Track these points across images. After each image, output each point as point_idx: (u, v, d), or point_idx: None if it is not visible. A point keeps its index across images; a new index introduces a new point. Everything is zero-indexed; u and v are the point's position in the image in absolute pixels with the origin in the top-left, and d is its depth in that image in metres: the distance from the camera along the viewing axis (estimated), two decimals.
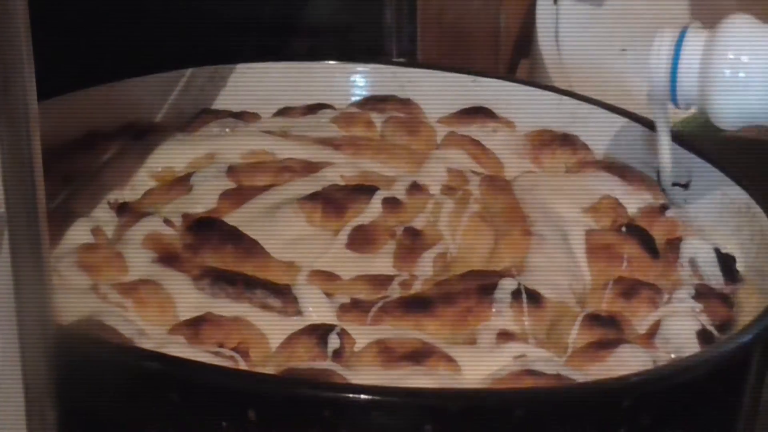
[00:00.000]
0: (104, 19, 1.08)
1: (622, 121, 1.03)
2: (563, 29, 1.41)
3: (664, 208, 0.96)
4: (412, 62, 1.12)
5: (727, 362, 0.82)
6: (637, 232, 0.92)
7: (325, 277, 0.85)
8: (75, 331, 0.78)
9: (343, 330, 0.80)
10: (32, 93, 0.65)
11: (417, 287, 0.85)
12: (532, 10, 1.42)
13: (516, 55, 1.53)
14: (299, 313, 0.82)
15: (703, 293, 0.87)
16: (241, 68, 1.09)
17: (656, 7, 1.41)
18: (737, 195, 0.95)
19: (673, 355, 0.81)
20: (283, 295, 0.83)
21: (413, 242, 0.89)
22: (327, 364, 0.78)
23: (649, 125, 1.02)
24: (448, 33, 1.55)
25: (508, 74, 1.40)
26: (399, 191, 0.93)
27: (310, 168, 0.96)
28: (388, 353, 0.79)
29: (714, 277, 0.90)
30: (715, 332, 0.84)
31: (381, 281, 0.86)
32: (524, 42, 1.49)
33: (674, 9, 1.42)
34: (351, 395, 0.75)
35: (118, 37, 1.10)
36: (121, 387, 0.77)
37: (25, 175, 0.66)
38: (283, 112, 1.07)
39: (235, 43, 1.10)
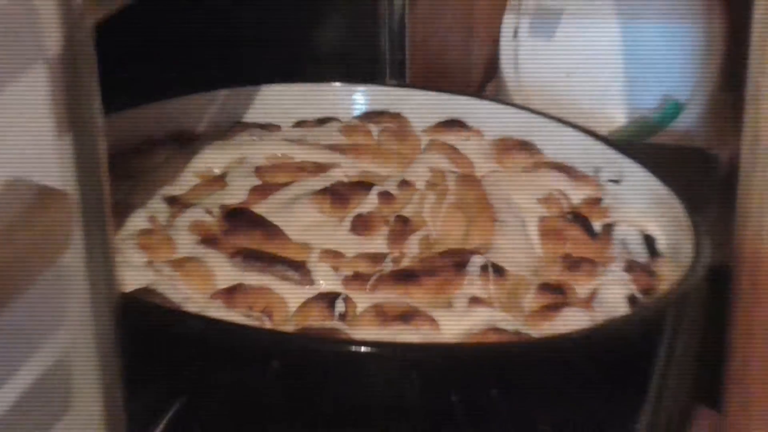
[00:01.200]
0: (157, 51, 1.08)
1: (567, 130, 1.03)
2: (521, 58, 1.41)
3: (600, 199, 0.96)
4: (401, 84, 1.12)
5: (649, 320, 0.84)
6: (579, 219, 0.92)
7: (333, 255, 0.85)
8: (135, 298, 0.78)
9: (347, 297, 0.81)
10: (99, 109, 0.65)
11: (405, 263, 0.86)
12: (497, 42, 1.42)
13: (484, 78, 1.53)
14: (312, 283, 0.82)
15: (631, 266, 0.87)
16: (265, 89, 1.09)
17: (592, 42, 1.41)
18: (658, 188, 0.95)
19: (607, 316, 0.81)
20: (299, 269, 0.83)
21: (403, 227, 0.89)
22: (334, 324, 0.79)
23: (589, 133, 1.02)
24: (430, 60, 1.54)
25: (478, 93, 1.39)
26: (391, 187, 0.93)
27: (320, 168, 0.96)
28: (382, 315, 0.79)
29: (639, 253, 0.90)
30: (640, 297, 0.84)
31: (377, 258, 0.86)
32: (491, 68, 1.48)
33: (604, 43, 1.41)
34: (353, 348, 0.76)
35: (168, 65, 1.10)
36: (171, 343, 0.77)
37: (94, 174, 0.66)
38: (299, 124, 1.07)
39: (260, 68, 1.09)
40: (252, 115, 1.08)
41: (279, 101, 1.09)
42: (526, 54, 1.41)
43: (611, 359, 0.80)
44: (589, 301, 0.83)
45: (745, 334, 1.23)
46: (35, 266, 0.56)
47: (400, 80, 1.13)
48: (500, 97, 1.39)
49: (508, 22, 1.42)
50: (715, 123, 1.41)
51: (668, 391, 0.80)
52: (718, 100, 1.42)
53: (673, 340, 0.83)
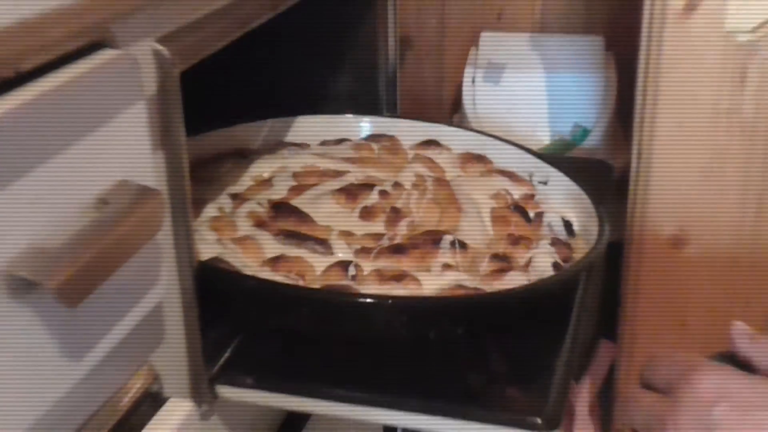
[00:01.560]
0: (225, 91, 1.08)
1: (510, 147, 1.02)
2: (477, 98, 1.40)
3: (533, 195, 0.96)
4: (394, 115, 1.11)
5: (568, 280, 0.83)
6: (519, 209, 0.92)
7: (346, 234, 0.85)
8: (209, 264, 0.77)
9: (356, 263, 0.80)
10: (183, 133, 0.65)
11: (397, 240, 0.85)
12: (460, 87, 1.41)
13: (452, 111, 1.52)
14: (332, 254, 0.82)
15: (555, 242, 0.87)
16: (300, 119, 1.08)
17: (526, 87, 1.40)
18: (573, 188, 0.95)
19: (539, 277, 0.81)
20: (323, 244, 0.82)
21: (395, 215, 0.88)
22: (348, 282, 0.78)
23: (524, 149, 1.01)
24: (414, 99, 1.54)
25: (448, 122, 1.39)
26: (387, 187, 0.92)
27: (338, 174, 0.96)
28: (381, 276, 0.79)
29: (561, 233, 0.89)
30: (561, 264, 0.83)
31: (378, 236, 0.85)
32: (456, 104, 1.48)
33: (534, 88, 1.40)
34: (361, 300, 0.75)
35: (232, 102, 1.09)
36: (233, 295, 0.76)
37: (179, 178, 0.65)
38: (323, 143, 1.06)
39: (295, 105, 1.09)
40: (290, 137, 1.07)
41: (309, 127, 1.08)
42: (481, 95, 1.40)
43: (542, 307, 0.80)
44: (526, 267, 0.83)
45: (633, 287, 1.23)
46: (140, 240, 0.56)
47: (393, 113, 1.13)
48: (463, 124, 1.38)
49: (468, 72, 1.42)
50: (611, 142, 1.41)
51: (581, 327, 0.80)
52: (614, 126, 1.42)
53: (584, 293, 0.83)
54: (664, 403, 0.65)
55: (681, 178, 1.15)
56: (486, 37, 1.45)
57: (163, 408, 0.62)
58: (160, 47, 0.62)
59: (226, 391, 0.73)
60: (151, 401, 0.63)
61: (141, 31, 0.60)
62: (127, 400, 0.61)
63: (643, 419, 0.66)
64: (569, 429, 1.28)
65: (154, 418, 0.61)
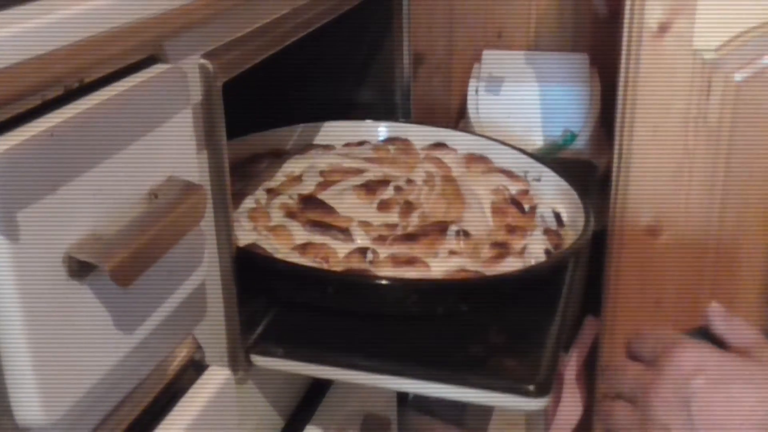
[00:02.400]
0: (263, 100, 1.07)
1: (508, 149, 1.01)
2: (480, 106, 1.39)
3: (528, 191, 0.94)
4: (408, 121, 1.10)
5: (558, 264, 0.82)
6: (515, 202, 0.91)
7: (365, 224, 0.84)
8: (246, 249, 0.76)
9: (374, 249, 0.79)
10: (224, 136, 0.64)
11: (410, 229, 0.84)
12: (465, 96, 1.40)
13: (458, 118, 1.51)
14: (353, 241, 0.81)
15: (547, 231, 0.85)
16: (326, 124, 1.07)
17: (522, 96, 1.39)
18: (562, 184, 0.93)
19: (533, 261, 0.80)
20: (345, 232, 0.81)
21: (408, 208, 0.87)
22: (366, 266, 0.77)
23: (520, 151, 1.00)
24: (425, 107, 1.53)
25: (454, 127, 1.37)
26: (401, 183, 0.91)
27: (359, 171, 0.95)
28: (395, 260, 0.78)
29: (552, 223, 0.88)
30: (552, 250, 0.82)
31: (392, 226, 0.84)
32: (462, 111, 1.47)
33: (529, 97, 1.39)
34: (377, 281, 0.74)
35: (269, 109, 1.09)
36: (267, 276, 0.76)
37: (220, 175, 0.65)
38: (346, 145, 1.05)
39: (322, 112, 1.08)
40: (318, 140, 1.06)
41: (334, 131, 1.07)
42: (483, 104, 1.39)
43: (535, 288, 0.79)
44: (521, 253, 0.81)
45: (614, 271, 1.22)
46: (185, 228, 0.55)
47: (408, 119, 1.12)
48: (467, 129, 1.37)
49: (472, 84, 1.41)
50: (595, 145, 1.39)
51: (570, 305, 0.78)
52: (598, 131, 1.41)
53: (572, 276, 0.82)
54: (647, 374, 0.65)
55: (656, 175, 1.15)
56: (487, 54, 1.44)
57: (204, 374, 0.62)
58: (205, 62, 0.62)
59: (259, 360, 0.73)
60: (194, 368, 0.62)
61: (189, 48, 0.60)
62: (173, 367, 0.60)
63: (629, 387, 0.66)
64: (558, 395, 1.28)
65: (196, 383, 0.61)
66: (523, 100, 1.41)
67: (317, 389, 0.88)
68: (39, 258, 0.45)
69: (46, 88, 0.46)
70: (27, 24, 0.44)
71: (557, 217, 0.89)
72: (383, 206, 0.88)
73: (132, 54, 0.53)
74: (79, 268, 0.47)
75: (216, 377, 0.62)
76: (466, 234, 0.83)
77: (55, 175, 0.45)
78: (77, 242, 0.47)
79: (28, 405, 0.46)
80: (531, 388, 0.67)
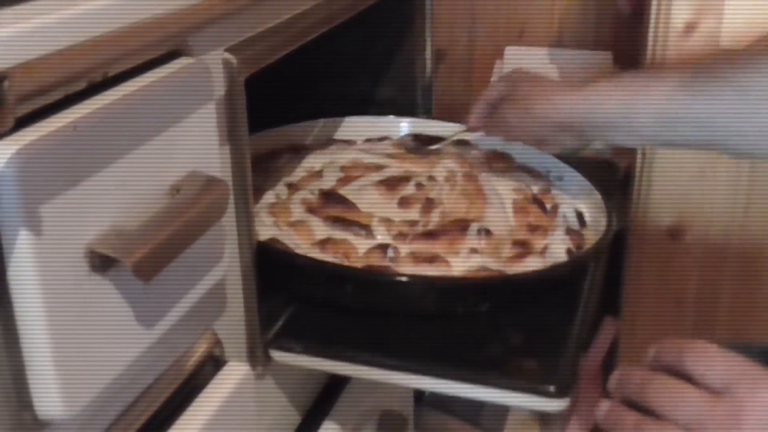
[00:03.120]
0: (284, 95, 1.07)
1: (530, 147, 0.99)
2: None
3: (550, 190, 0.94)
4: (429, 117, 1.10)
5: (579, 265, 0.81)
6: (537, 201, 0.90)
7: (386, 221, 0.83)
8: (266, 244, 0.76)
9: (395, 246, 0.79)
10: (246, 130, 0.64)
11: (430, 226, 0.83)
12: None
13: None
14: (374, 238, 0.81)
15: (568, 231, 0.85)
16: (348, 119, 1.07)
17: None
18: (584, 184, 0.93)
19: (553, 261, 0.80)
20: (366, 229, 0.81)
21: (429, 204, 0.87)
22: (386, 263, 0.77)
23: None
24: (446, 104, 1.53)
25: None
26: (423, 180, 0.91)
27: (380, 167, 0.95)
28: (415, 258, 0.78)
29: (574, 223, 0.87)
30: (574, 250, 0.82)
31: (413, 223, 0.84)
32: None
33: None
34: (397, 278, 0.74)
35: (290, 104, 1.09)
36: (288, 271, 0.76)
37: (242, 169, 0.65)
38: (367, 140, 1.05)
39: (345, 107, 1.08)
40: (340, 135, 1.06)
41: (356, 127, 1.07)
42: None
43: (556, 288, 0.79)
44: (543, 252, 0.81)
45: (635, 271, 1.22)
46: (207, 223, 0.55)
47: (429, 116, 1.11)
48: None
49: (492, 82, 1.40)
50: None
51: (590, 306, 0.78)
52: None
53: (593, 276, 0.81)
54: (721, 403, 0.56)
55: (679, 175, 1.14)
56: (510, 51, 1.44)
57: (223, 369, 0.62)
58: (228, 56, 0.62)
59: (278, 356, 0.72)
60: (213, 363, 0.62)
61: (212, 42, 0.60)
62: (192, 362, 0.60)
63: (688, 413, 0.57)
64: (575, 395, 1.26)
65: (215, 378, 0.61)
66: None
67: (335, 385, 0.88)
68: (61, 252, 0.45)
69: (69, 81, 0.46)
70: (50, 17, 0.44)
71: (579, 216, 0.89)
72: (404, 203, 0.87)
73: (155, 48, 0.53)
74: (101, 263, 0.47)
75: (235, 372, 0.62)
76: (487, 232, 0.82)
77: (77, 169, 0.45)
78: (99, 236, 0.47)
79: (48, 398, 0.46)
80: (551, 389, 0.66)
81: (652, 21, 1.08)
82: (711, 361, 0.58)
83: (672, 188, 1.14)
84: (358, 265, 0.77)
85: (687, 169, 1.13)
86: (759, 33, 1.05)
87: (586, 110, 0.82)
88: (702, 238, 1.16)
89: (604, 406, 0.62)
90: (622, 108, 0.80)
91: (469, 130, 0.98)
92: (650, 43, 1.09)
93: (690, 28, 1.07)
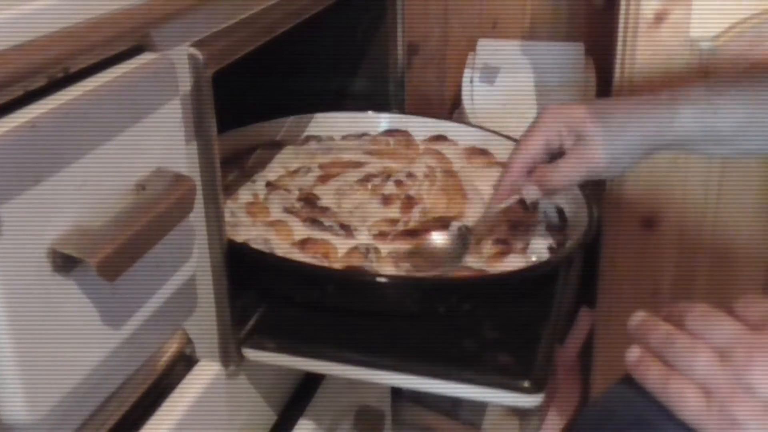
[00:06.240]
0: (257, 90, 1.06)
1: (509, 142, 0.98)
2: (475, 96, 1.38)
3: None
4: (403, 113, 1.09)
5: (560, 262, 0.80)
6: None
7: (366, 219, 0.83)
8: (242, 245, 0.75)
9: (375, 246, 0.78)
10: (214, 127, 0.63)
11: (411, 225, 0.83)
12: (460, 86, 1.39)
13: (452, 108, 1.50)
14: (353, 237, 0.80)
15: (550, 228, 0.84)
16: (327, 115, 1.06)
17: (517, 86, 1.38)
18: None
19: (535, 258, 0.79)
20: (346, 228, 0.81)
21: (409, 202, 0.86)
22: (366, 264, 0.76)
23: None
24: (420, 96, 1.52)
25: (451, 117, 1.36)
26: (402, 177, 0.91)
27: (359, 165, 0.94)
28: (396, 257, 0.77)
29: (555, 220, 0.86)
30: (555, 247, 0.81)
31: (393, 221, 0.84)
32: (456, 100, 1.46)
33: (524, 87, 1.38)
34: (377, 279, 0.74)
35: (266, 99, 1.07)
36: (265, 271, 0.75)
37: (210, 166, 0.64)
38: (345, 137, 1.04)
39: (322, 103, 1.07)
40: (317, 131, 1.05)
41: (334, 123, 1.06)
42: (478, 93, 1.38)
43: (535, 285, 0.78)
44: (524, 250, 0.80)
45: (610, 262, 1.22)
46: (173, 221, 0.54)
47: (401, 109, 1.10)
48: (463, 120, 1.35)
49: (467, 74, 1.40)
50: None
51: (565, 300, 0.77)
52: None
53: (568, 271, 0.81)
54: (760, 333, 0.53)
55: (652, 166, 1.14)
56: (482, 44, 1.43)
57: (195, 368, 0.61)
58: (194, 51, 0.60)
59: (251, 354, 0.71)
60: (185, 362, 0.61)
61: (177, 37, 0.59)
62: (163, 362, 0.59)
63: (723, 335, 0.54)
64: (554, 386, 1.26)
65: (187, 377, 0.60)
66: (518, 90, 1.39)
67: (310, 382, 0.87)
68: (23, 252, 0.44)
69: (27, 77, 0.45)
70: (7, 12, 0.43)
71: (560, 212, 0.88)
72: (384, 201, 0.87)
73: (117, 43, 0.52)
74: (64, 262, 0.46)
75: (207, 371, 0.61)
76: (467, 230, 0.81)
77: (38, 168, 0.44)
78: (62, 236, 0.46)
79: (12, 403, 0.45)
80: (526, 384, 0.66)
81: (622, 11, 1.08)
82: (752, 305, 0.56)
83: (645, 178, 1.15)
84: (338, 265, 0.76)
85: (660, 160, 1.13)
86: (728, 23, 1.05)
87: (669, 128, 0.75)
88: (676, 227, 1.16)
89: (637, 318, 0.58)
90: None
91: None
92: (620, 33, 1.09)
93: (659, 17, 1.07)
